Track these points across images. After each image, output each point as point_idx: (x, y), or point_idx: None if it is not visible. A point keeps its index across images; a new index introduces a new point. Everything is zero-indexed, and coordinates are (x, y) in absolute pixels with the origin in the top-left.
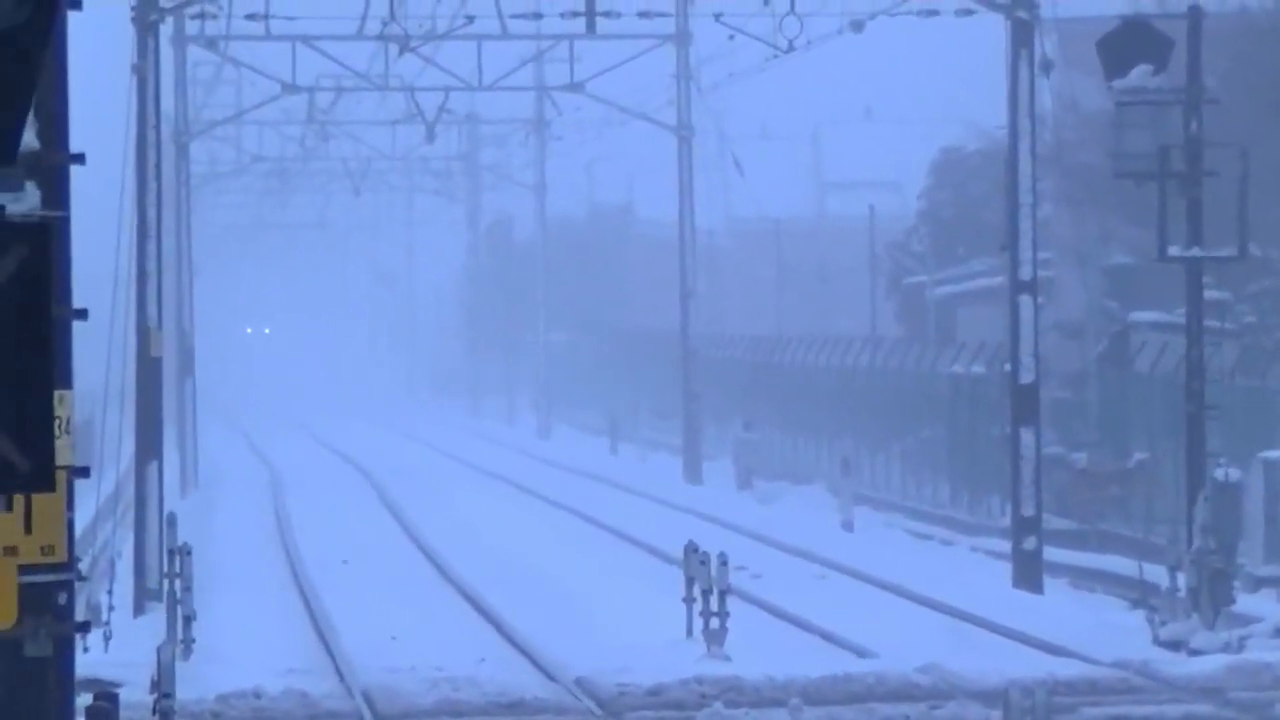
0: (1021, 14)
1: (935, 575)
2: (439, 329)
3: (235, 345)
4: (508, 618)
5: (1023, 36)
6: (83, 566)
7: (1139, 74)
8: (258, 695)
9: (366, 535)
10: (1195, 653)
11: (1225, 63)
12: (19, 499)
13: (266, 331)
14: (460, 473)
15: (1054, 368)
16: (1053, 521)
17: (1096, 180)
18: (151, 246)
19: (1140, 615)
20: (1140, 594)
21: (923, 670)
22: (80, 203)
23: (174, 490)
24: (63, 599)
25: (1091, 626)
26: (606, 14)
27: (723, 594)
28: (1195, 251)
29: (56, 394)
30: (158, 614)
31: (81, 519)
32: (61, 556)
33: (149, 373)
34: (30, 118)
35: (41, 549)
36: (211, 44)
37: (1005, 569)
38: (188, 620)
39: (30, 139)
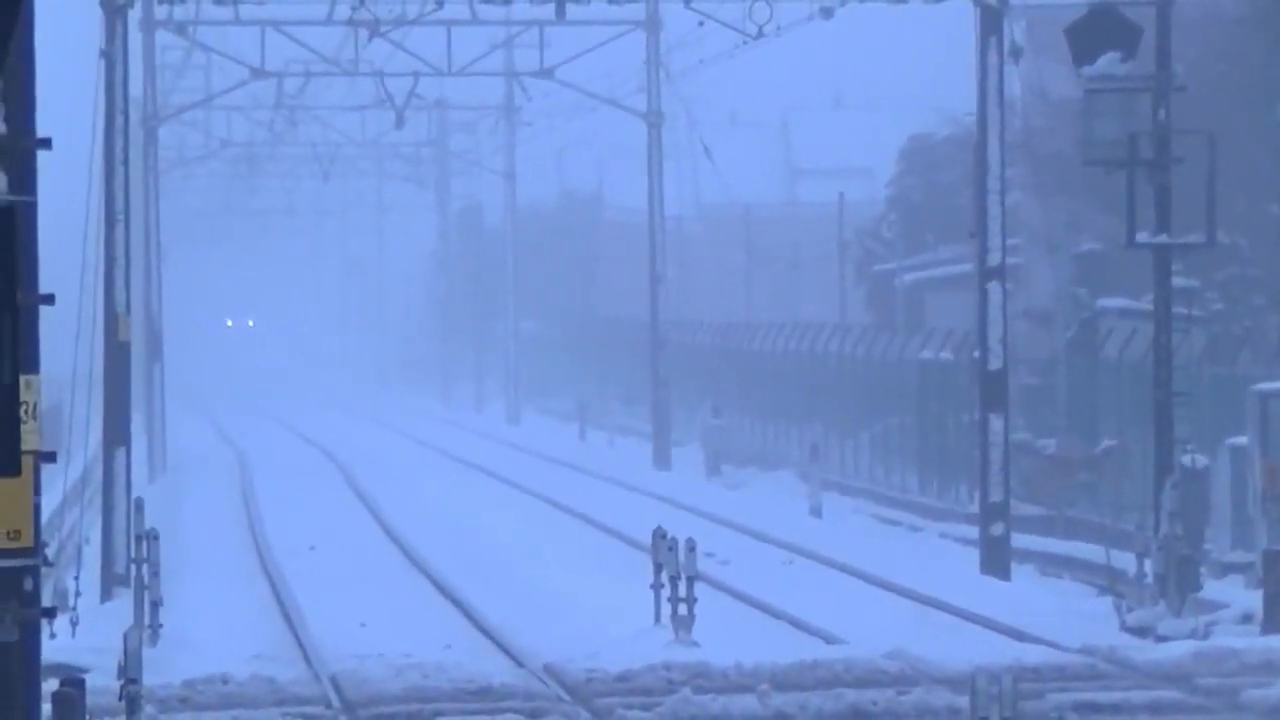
0: (990, 1)
1: (903, 561)
2: (409, 315)
3: (213, 338)
4: (476, 604)
5: (991, 23)
6: (49, 552)
7: (1107, 61)
8: (225, 681)
9: (335, 521)
10: (1162, 639)
11: (1194, 50)
12: None
13: (250, 324)
14: (429, 459)
15: (1022, 354)
16: (1020, 508)
17: (1065, 167)
18: (119, 231)
19: (1107, 601)
20: (1108, 580)
21: (890, 656)
22: (47, 188)
23: (142, 476)
24: (29, 584)
25: (1059, 612)
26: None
27: (691, 580)
28: (1163, 238)
29: (23, 379)
30: (125, 599)
31: (48, 504)
32: (28, 541)
33: (117, 358)
34: None
35: (8, 534)
36: (180, 29)
37: (973, 555)
38: (155, 606)
39: None
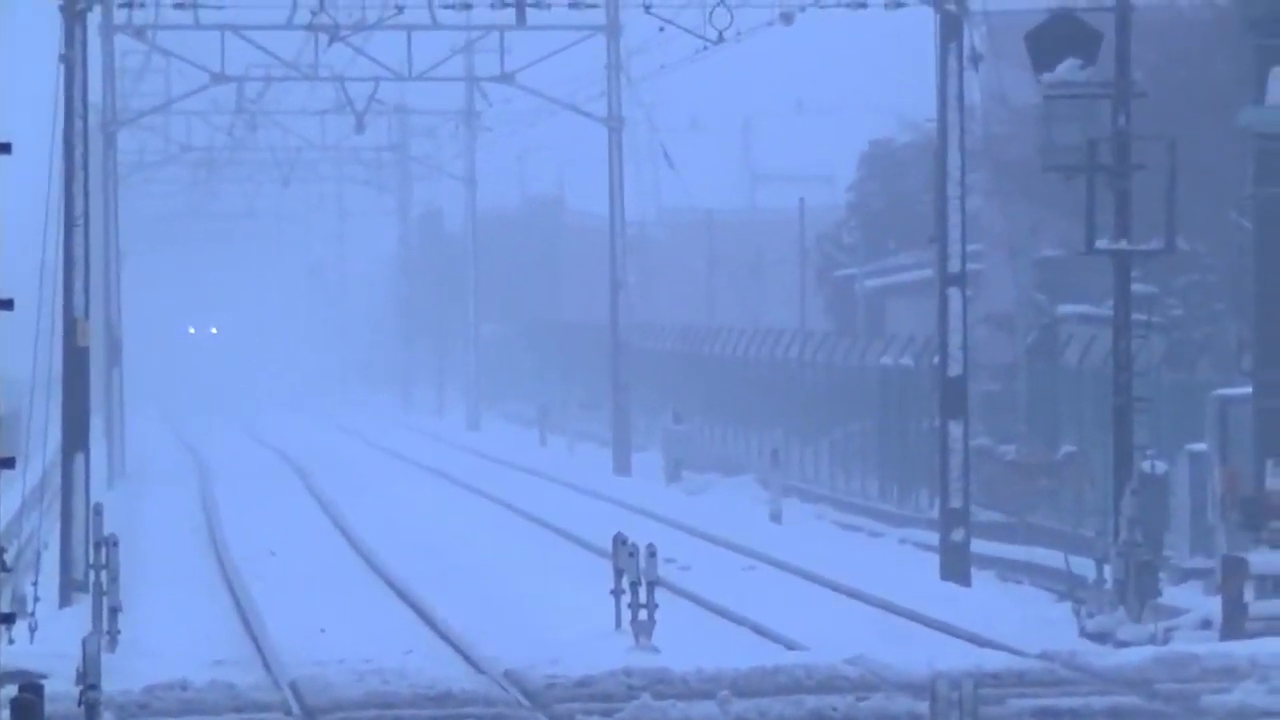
0: (950, 6)
1: (863, 567)
2: (370, 321)
3: (177, 345)
4: (437, 610)
5: (951, 29)
6: (8, 557)
7: (1068, 67)
8: (184, 687)
9: (295, 527)
10: (1122, 644)
11: (1154, 56)
12: None
13: (214, 331)
14: (389, 464)
15: (983, 360)
16: (981, 514)
17: (1026, 173)
18: (79, 236)
19: (1067, 607)
20: (1067, 586)
21: (850, 662)
22: (6, 192)
23: (101, 481)
24: None
25: (1019, 618)
26: (536, 4)
27: (651, 586)
28: (1123, 245)
29: None
30: (84, 605)
31: (6, 510)
32: None
33: (76, 362)
34: None
35: None
36: (140, 33)
37: (933, 561)
38: (114, 612)
39: None
